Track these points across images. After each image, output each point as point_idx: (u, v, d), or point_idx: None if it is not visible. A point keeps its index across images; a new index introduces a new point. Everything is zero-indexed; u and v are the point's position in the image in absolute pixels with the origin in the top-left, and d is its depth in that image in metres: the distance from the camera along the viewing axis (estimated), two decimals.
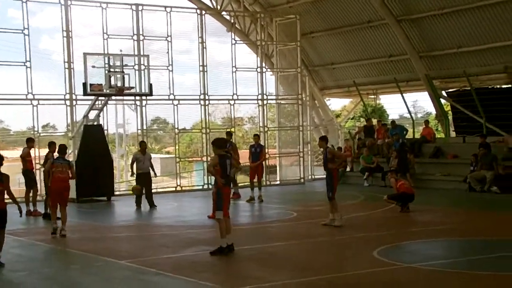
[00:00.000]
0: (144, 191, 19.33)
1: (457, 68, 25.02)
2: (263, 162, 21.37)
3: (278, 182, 27.44)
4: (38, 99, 21.90)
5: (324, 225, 14.60)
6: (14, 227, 16.03)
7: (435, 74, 25.72)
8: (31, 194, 18.02)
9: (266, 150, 23.01)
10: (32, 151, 18.90)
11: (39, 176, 19.96)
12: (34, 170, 18.19)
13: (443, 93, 26.37)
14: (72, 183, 17.83)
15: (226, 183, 11.81)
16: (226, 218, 11.78)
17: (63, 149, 14.59)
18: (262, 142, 22.22)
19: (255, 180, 20.29)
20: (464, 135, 24.35)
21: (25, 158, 18.02)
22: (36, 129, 22.17)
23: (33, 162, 18.29)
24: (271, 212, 18.56)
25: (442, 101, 26.57)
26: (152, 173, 19.51)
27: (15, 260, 11.82)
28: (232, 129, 25.29)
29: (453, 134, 26.73)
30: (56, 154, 15.25)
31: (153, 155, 22.76)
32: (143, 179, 19.34)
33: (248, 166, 21.15)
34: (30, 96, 21.77)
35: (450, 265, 10.47)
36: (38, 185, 18.73)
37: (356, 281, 9.61)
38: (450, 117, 27.06)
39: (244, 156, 22.20)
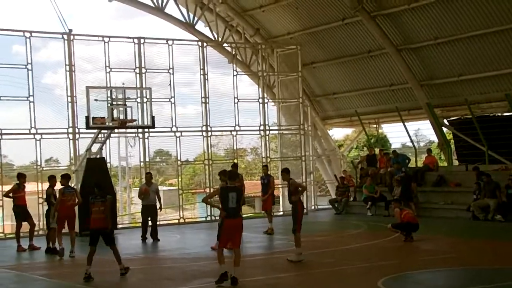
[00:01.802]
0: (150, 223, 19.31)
1: (458, 96, 25.12)
2: (273, 193, 21.14)
3: (281, 213, 27.36)
4: (41, 133, 21.97)
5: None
6: (15, 262, 16.06)
7: (436, 103, 25.80)
8: (22, 229, 18.03)
9: None
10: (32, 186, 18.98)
11: (41, 211, 20.00)
12: (25, 205, 18.16)
13: (445, 121, 26.43)
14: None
15: (228, 215, 11.85)
16: (235, 249, 11.93)
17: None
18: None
19: (264, 211, 20.11)
20: (466, 163, 24.32)
21: (14, 195, 17.99)
22: (39, 163, 22.22)
23: (25, 197, 18.29)
24: (274, 243, 18.48)
25: (444, 129, 26.62)
26: (158, 205, 19.48)
27: None
28: (235, 160, 25.31)
29: (455, 162, 26.72)
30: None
31: None
32: (149, 211, 19.31)
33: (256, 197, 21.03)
34: (33, 131, 21.85)
35: None
36: (38, 220, 18.77)
37: None
38: (453, 146, 27.06)
39: (249, 187, 22.12)
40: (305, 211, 26.32)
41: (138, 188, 20.92)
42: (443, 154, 28.68)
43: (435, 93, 25.91)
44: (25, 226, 18.04)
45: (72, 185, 21.92)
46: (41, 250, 17.33)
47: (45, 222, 18.23)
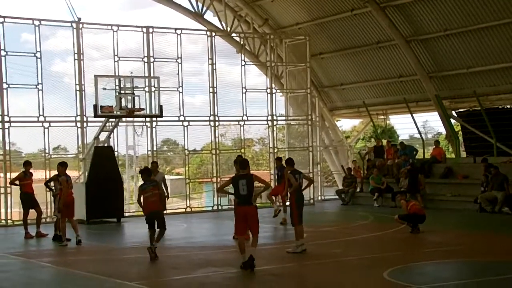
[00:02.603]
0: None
1: (466, 88, 25.03)
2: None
3: (288, 203, 27.31)
4: (50, 121, 22.05)
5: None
6: (23, 249, 16.16)
7: (445, 94, 25.71)
8: (29, 217, 18.13)
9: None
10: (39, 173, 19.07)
11: (49, 198, 20.10)
12: (32, 192, 18.25)
13: (453, 113, 26.34)
14: (82, 204, 18.12)
15: (240, 203, 12.24)
16: (254, 236, 12.22)
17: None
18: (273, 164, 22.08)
19: (279, 200, 20.05)
20: (474, 156, 24.25)
21: (20, 182, 18.09)
22: (47, 151, 22.31)
23: (32, 184, 18.37)
24: (281, 233, 18.50)
25: (452, 121, 26.54)
26: (165, 193, 19.48)
27: (25, 282, 11.84)
28: (242, 150, 25.33)
29: (463, 154, 26.65)
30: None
31: None
32: None
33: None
34: (41, 119, 21.93)
35: (461, 286, 10.41)
36: (46, 208, 18.85)
37: None
38: (461, 137, 26.99)
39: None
40: (312, 201, 26.59)
41: None
42: (451, 146, 28.62)
43: (444, 85, 25.81)
44: (33, 213, 18.14)
45: (80, 173, 22.16)
46: (49, 237, 17.46)
47: (52, 210, 18.31)
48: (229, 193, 13.12)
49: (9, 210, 21.52)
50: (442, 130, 29.46)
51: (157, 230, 13.51)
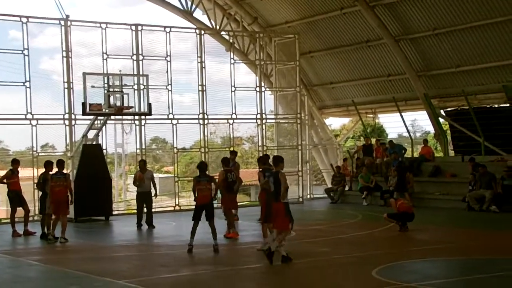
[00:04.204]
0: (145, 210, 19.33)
1: (455, 87, 25.13)
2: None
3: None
4: (37, 119, 21.91)
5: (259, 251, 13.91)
6: (10, 247, 16.07)
7: (433, 93, 25.81)
8: (17, 215, 18.07)
9: None
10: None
11: (36, 196, 20.00)
12: (19, 190, 18.16)
13: (442, 112, 26.43)
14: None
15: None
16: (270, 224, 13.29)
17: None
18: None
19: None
20: (462, 154, 24.35)
21: (7, 180, 17.99)
22: (35, 149, 22.17)
23: (19, 182, 18.28)
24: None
25: (441, 120, 26.64)
26: (153, 191, 19.48)
27: (13, 281, 11.76)
28: (231, 148, 25.29)
29: (452, 153, 26.75)
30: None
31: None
32: (144, 198, 19.32)
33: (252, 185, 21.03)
34: (29, 116, 21.78)
35: (450, 284, 10.44)
36: (34, 206, 18.78)
37: None
38: (449, 136, 27.08)
39: (246, 176, 22.12)
40: (300, 199, 26.59)
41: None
42: (439, 145, 28.71)
43: (433, 83, 25.90)
44: (20, 211, 18.04)
45: (68, 171, 22.03)
46: (36, 236, 17.37)
47: (39, 208, 18.24)
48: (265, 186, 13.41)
49: None
50: (431, 128, 29.56)
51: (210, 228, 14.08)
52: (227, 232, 16.13)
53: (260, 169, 14.73)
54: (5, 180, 17.96)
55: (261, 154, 25.09)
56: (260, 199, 14.51)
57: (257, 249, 14.04)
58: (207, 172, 14.77)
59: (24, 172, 20.25)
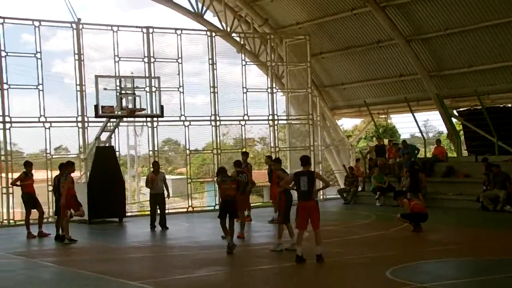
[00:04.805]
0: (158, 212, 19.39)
1: (468, 87, 25.03)
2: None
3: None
4: (51, 122, 22.04)
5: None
6: (25, 249, 16.18)
7: (446, 93, 25.72)
8: (31, 217, 18.18)
9: None
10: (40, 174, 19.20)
11: (50, 198, 20.15)
12: (33, 192, 18.29)
13: (454, 112, 26.34)
14: (84, 204, 18.36)
15: (301, 198, 12.86)
16: (315, 230, 12.90)
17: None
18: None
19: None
20: (476, 154, 24.24)
21: (21, 183, 18.12)
22: (48, 151, 22.30)
23: (33, 184, 18.42)
24: (285, 232, 18.43)
25: (454, 120, 26.54)
26: (166, 193, 19.53)
27: (28, 282, 11.84)
28: (244, 149, 25.30)
29: (465, 153, 26.63)
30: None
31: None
32: (157, 200, 19.38)
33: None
34: (42, 119, 21.92)
35: (463, 285, 10.41)
36: (48, 208, 18.93)
37: None
38: (462, 136, 26.97)
39: (257, 177, 22.13)
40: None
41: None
42: (452, 145, 28.59)
43: (445, 84, 25.81)
44: (35, 213, 18.16)
45: (82, 173, 22.19)
46: (51, 237, 17.46)
47: (53, 210, 18.41)
48: (292, 188, 13.35)
49: (11, 210, 21.54)
50: (443, 129, 29.49)
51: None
52: (239, 233, 16.18)
53: (277, 169, 14.86)
54: (19, 183, 18.09)
55: (273, 156, 25.12)
56: (278, 200, 14.47)
57: (270, 250, 14.05)
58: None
59: (38, 175, 20.38)
